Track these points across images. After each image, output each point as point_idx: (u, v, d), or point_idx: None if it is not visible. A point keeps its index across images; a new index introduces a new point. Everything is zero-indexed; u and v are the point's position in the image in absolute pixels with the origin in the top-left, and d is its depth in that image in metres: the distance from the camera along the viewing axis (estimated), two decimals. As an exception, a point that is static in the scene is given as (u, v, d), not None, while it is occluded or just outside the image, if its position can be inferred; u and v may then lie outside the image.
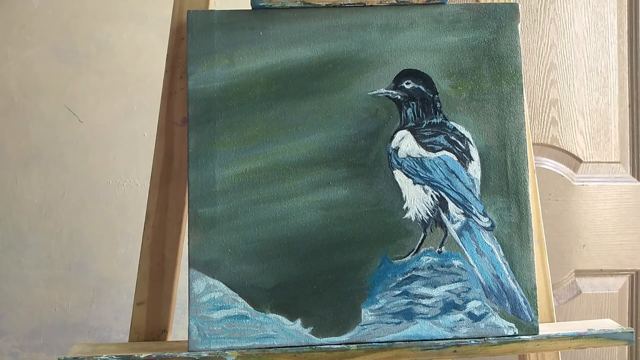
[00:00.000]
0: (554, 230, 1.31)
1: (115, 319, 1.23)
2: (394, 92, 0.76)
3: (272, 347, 0.72)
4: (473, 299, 0.74)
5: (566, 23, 1.33)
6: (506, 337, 0.73)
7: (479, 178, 0.76)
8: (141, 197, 1.22)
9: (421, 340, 0.73)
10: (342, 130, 0.76)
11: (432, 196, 0.75)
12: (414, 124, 0.76)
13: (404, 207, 0.75)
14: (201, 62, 0.75)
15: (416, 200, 0.75)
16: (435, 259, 0.75)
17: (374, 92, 0.76)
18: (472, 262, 0.75)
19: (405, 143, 0.76)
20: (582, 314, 1.34)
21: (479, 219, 0.75)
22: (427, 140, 0.76)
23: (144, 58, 1.24)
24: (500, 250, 0.75)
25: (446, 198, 0.76)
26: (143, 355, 0.70)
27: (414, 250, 0.75)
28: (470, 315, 0.74)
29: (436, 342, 0.73)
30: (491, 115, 0.77)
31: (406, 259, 0.75)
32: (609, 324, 0.78)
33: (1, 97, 1.22)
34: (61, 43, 1.23)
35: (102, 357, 0.70)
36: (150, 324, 0.78)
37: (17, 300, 1.21)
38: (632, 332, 0.76)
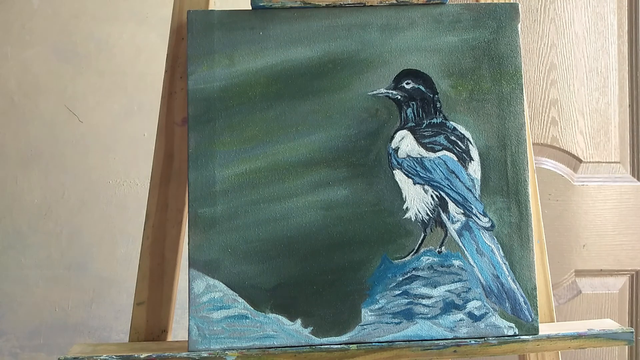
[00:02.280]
0: (554, 230, 1.31)
1: (115, 319, 1.23)
2: (394, 92, 0.76)
3: (272, 347, 0.72)
4: (473, 299, 0.74)
5: (566, 23, 1.33)
6: (506, 337, 0.74)
7: (479, 178, 0.76)
8: (141, 197, 1.22)
9: (421, 340, 0.73)
10: (342, 130, 0.76)
11: (432, 196, 0.75)
12: (414, 124, 0.76)
13: (404, 207, 0.75)
14: (201, 62, 0.75)
15: (416, 200, 0.75)
16: (435, 259, 0.75)
17: (374, 92, 0.76)
18: (472, 262, 0.75)
19: (405, 143, 0.76)
20: (582, 314, 1.34)
21: (479, 219, 0.75)
22: (427, 140, 0.76)
23: (144, 58, 1.24)
24: (500, 250, 0.75)
25: (446, 198, 0.76)
26: (143, 355, 0.71)
27: (414, 250, 0.75)
28: (470, 315, 0.74)
29: (436, 342, 0.73)
30: (491, 115, 0.77)
31: (406, 259, 0.75)
32: (609, 324, 0.78)
33: (1, 97, 1.22)
34: (61, 43, 1.23)
35: (102, 357, 0.70)
36: (150, 324, 0.78)
37: (17, 300, 1.21)
38: (632, 332, 0.76)
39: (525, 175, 0.76)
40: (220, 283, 0.73)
